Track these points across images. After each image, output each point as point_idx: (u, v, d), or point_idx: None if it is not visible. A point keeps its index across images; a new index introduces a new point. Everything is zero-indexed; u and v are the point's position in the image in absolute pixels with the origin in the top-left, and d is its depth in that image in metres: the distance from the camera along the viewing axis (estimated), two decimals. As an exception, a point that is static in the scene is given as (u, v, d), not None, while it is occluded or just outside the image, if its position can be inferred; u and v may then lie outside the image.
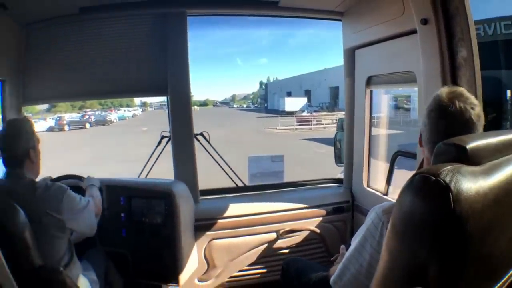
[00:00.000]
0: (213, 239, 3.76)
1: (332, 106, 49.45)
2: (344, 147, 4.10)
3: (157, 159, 3.99)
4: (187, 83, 3.73)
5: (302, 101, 53.25)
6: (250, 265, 3.87)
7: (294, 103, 51.43)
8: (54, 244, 2.51)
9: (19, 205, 2.28)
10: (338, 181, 4.34)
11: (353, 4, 3.62)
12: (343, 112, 4.08)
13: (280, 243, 3.85)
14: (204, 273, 3.81)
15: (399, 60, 3.13)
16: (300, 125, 34.97)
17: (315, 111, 45.70)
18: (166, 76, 3.72)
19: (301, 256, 3.77)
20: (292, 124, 35.16)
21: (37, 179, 2.68)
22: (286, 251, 3.90)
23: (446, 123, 1.66)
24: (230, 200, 3.99)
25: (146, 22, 3.74)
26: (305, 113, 42.59)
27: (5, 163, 2.56)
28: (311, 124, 35.55)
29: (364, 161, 3.85)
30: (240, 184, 4.18)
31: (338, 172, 4.62)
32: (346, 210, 4.02)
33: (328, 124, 34.41)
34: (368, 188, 3.84)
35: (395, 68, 3.24)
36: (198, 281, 3.81)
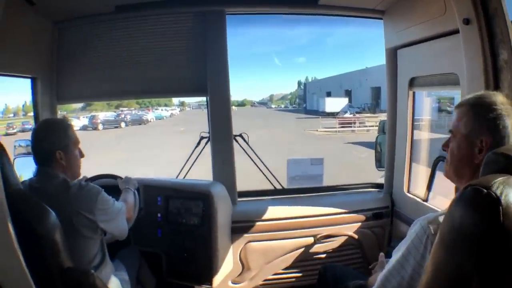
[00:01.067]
0: (250, 241, 3.78)
1: (374, 107, 48.81)
2: (386, 151, 4.05)
3: (195, 159, 4.05)
4: (227, 83, 3.76)
5: (343, 101, 52.51)
6: (285, 268, 3.87)
7: (334, 104, 50.82)
8: (85, 244, 2.54)
9: (51, 205, 2.30)
10: (378, 186, 4.29)
11: (394, 2, 3.57)
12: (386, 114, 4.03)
13: (316, 247, 3.84)
14: (239, 275, 3.84)
15: (442, 61, 3.07)
16: (342, 127, 34.16)
17: (356, 112, 45.17)
18: (205, 76, 3.75)
19: (338, 261, 3.77)
20: (333, 126, 34.18)
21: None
22: (323, 256, 3.88)
23: None
24: (268, 202, 4.00)
25: (185, 21, 3.77)
26: (347, 115, 41.96)
27: (35, 161, 2.60)
28: (354, 126, 34.64)
29: (405, 165, 3.80)
30: (278, 186, 4.20)
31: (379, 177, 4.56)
32: (385, 215, 3.98)
33: (372, 126, 33.22)
34: (408, 194, 3.79)
35: (438, 70, 3.18)
36: (232, 283, 3.84)
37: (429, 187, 3.52)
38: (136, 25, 3.77)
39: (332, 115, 44.33)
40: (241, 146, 3.96)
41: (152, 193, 3.61)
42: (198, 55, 3.75)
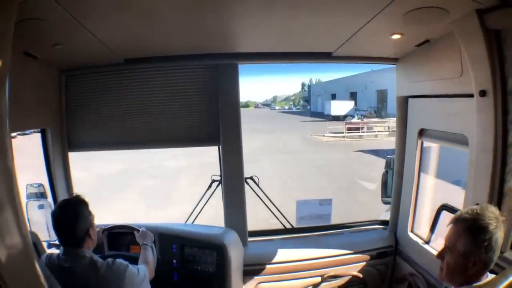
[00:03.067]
0: (260, 282, 3.95)
1: (380, 110, 48.65)
2: (393, 192, 4.23)
3: (207, 201, 4.20)
4: (239, 131, 3.91)
5: (348, 104, 52.39)
6: None
7: (340, 107, 50.69)
8: None
9: (82, 286, 2.51)
10: (383, 223, 4.49)
11: (409, 52, 3.67)
12: (395, 119, 4.17)
13: (323, 286, 4.01)
14: None
15: (452, 120, 3.19)
16: (349, 132, 34.08)
17: (362, 115, 45.10)
18: (217, 126, 3.88)
19: None
20: (340, 131, 34.23)
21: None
22: None
23: None
24: (278, 243, 4.17)
25: (197, 73, 3.88)
26: (354, 119, 41.76)
27: (62, 244, 2.74)
28: (361, 131, 34.51)
29: (410, 208, 3.96)
30: (288, 225, 4.37)
31: None
32: (389, 254, 4.18)
33: (381, 131, 33.57)
34: (411, 234, 3.97)
35: (447, 127, 3.31)
36: None
37: (431, 231, 3.71)
38: (147, 76, 3.87)
39: (338, 118, 44.43)
40: (252, 189, 4.14)
41: (167, 241, 3.77)
42: (211, 105, 3.89)
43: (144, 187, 17.45)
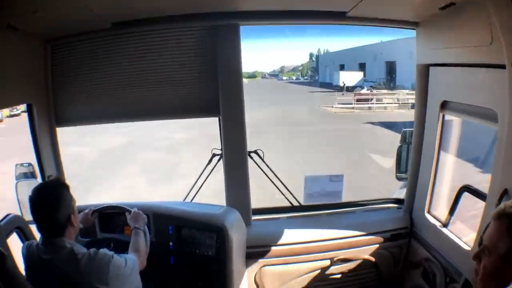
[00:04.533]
0: (265, 265, 3.79)
1: (389, 82, 48.37)
2: (409, 168, 4.01)
3: (207, 177, 4.03)
4: (241, 100, 3.67)
5: (357, 75, 52.05)
6: None
7: (349, 77, 50.30)
8: None
9: (62, 281, 2.36)
10: (398, 201, 4.28)
11: (430, 15, 3.36)
12: (405, 91, 3.97)
13: (333, 269, 3.87)
14: None
15: (479, 93, 2.92)
16: (358, 103, 33.54)
17: (371, 87, 44.89)
18: (217, 95, 3.63)
19: (354, 283, 3.95)
20: (349, 102, 33.75)
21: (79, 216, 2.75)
22: (338, 276, 3.92)
23: None
24: (284, 223, 4.01)
25: (193, 36, 3.63)
26: (364, 90, 41.61)
27: (42, 232, 2.55)
28: (371, 103, 33.91)
29: (428, 187, 3.72)
30: (295, 203, 4.18)
31: None
32: (403, 236, 3.97)
33: (390, 103, 32.92)
34: (428, 215, 3.75)
35: (474, 100, 3.02)
36: None
37: (451, 213, 3.51)
38: (137, 42, 3.63)
39: (347, 89, 44.38)
40: (256, 163, 3.96)
41: (162, 221, 3.58)
42: (209, 72, 3.64)
43: (148, 161, 17.48)
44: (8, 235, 2.94)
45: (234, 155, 3.77)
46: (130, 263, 2.67)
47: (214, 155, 3.94)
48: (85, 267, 2.44)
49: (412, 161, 3.94)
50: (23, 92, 3.37)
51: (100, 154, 18.80)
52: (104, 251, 2.58)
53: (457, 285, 3.12)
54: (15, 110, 28.70)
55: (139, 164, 17.06)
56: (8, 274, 2.02)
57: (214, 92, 3.65)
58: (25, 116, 3.58)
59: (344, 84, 46.57)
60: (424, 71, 3.66)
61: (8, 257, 2.06)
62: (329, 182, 4.19)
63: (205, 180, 4.05)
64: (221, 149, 3.85)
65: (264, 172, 4.03)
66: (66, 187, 2.59)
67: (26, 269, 2.56)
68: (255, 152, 3.93)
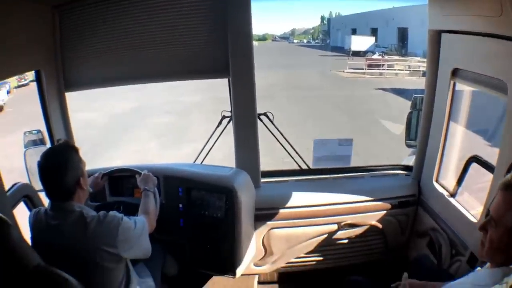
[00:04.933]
0: (273, 228, 3.82)
1: (401, 48, 47.73)
2: (419, 136, 3.95)
3: (216, 139, 4.00)
4: (251, 61, 3.59)
5: (369, 40, 51.23)
6: (308, 253, 3.97)
7: (361, 42, 49.53)
8: (109, 276, 2.50)
9: (70, 245, 2.33)
10: (407, 168, 4.24)
11: None
12: (417, 58, 3.89)
13: (339, 234, 3.88)
14: (261, 258, 3.95)
15: (490, 63, 2.85)
16: (369, 68, 33.15)
17: (383, 52, 44.33)
18: (226, 55, 3.58)
19: (359, 248, 3.99)
20: (361, 67, 33.30)
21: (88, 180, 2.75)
22: (345, 241, 3.94)
23: None
24: (292, 186, 4.01)
25: None
26: (375, 56, 41.10)
27: (50, 197, 2.50)
28: (382, 69, 33.41)
29: (437, 155, 3.67)
30: (304, 166, 4.17)
31: None
32: (411, 204, 3.95)
33: (401, 70, 32.41)
34: (436, 184, 3.71)
35: (484, 70, 2.94)
36: (254, 265, 3.97)
37: (458, 183, 3.47)
38: (145, 3, 3.54)
39: (358, 53, 43.76)
40: (265, 125, 3.92)
41: (173, 184, 3.59)
42: (219, 32, 3.57)
43: (157, 125, 17.53)
44: (15, 204, 2.94)
45: (244, 117, 3.73)
46: (140, 225, 2.63)
47: (224, 117, 3.91)
48: (94, 231, 2.40)
49: (422, 128, 3.89)
50: (31, 58, 3.32)
51: (110, 119, 18.86)
52: (113, 213, 2.54)
53: (463, 258, 3.11)
54: (23, 80, 28.49)
55: (149, 128, 17.13)
56: (11, 244, 2.01)
57: (224, 53, 3.59)
58: (32, 85, 3.53)
59: (350, 49, 46.25)
60: (436, 37, 3.56)
61: (12, 227, 2.05)
62: (338, 146, 4.13)
63: (214, 142, 4.03)
64: (231, 111, 3.82)
65: (274, 135, 4.01)
66: (74, 150, 2.54)
67: (33, 237, 2.55)
68: (265, 114, 3.90)
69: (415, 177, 4.01)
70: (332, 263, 4.03)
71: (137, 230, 2.58)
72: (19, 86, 27.58)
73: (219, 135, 3.96)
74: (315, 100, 20.71)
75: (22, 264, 1.98)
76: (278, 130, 3.99)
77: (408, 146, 4.24)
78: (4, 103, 23.58)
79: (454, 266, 3.23)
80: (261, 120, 3.83)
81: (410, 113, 4.07)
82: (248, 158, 3.80)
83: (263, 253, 3.91)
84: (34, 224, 2.53)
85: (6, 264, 1.96)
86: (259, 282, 4.18)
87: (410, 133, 4.10)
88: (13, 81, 27.43)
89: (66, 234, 2.38)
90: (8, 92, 26.11)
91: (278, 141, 4.04)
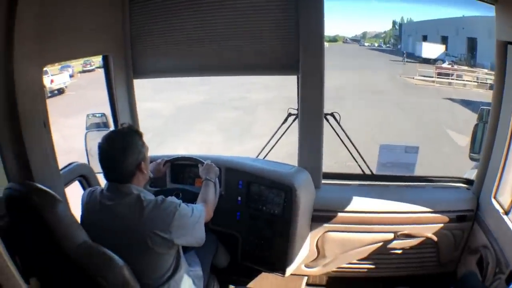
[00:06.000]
0: (328, 231, 3.78)
1: (470, 58, 46.02)
2: (483, 149, 3.78)
3: (281, 136, 4.06)
4: (321, 60, 3.58)
5: (440, 48, 49.46)
6: (360, 260, 3.89)
7: (431, 50, 48.15)
8: (159, 261, 2.52)
9: (123, 226, 2.37)
10: (468, 182, 4.07)
11: None
12: (485, 70, 3.78)
13: (394, 244, 3.79)
14: (312, 260, 3.90)
15: None
16: (439, 77, 32.08)
17: (453, 61, 42.89)
18: (297, 53, 3.59)
19: (412, 260, 3.86)
20: (430, 75, 32.34)
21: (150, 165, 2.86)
22: (399, 252, 3.84)
23: None
24: (353, 190, 3.95)
25: None
26: (445, 64, 39.82)
27: (108, 178, 2.52)
28: (451, 78, 32.15)
29: (498, 171, 3.51)
30: (367, 171, 4.12)
31: None
32: (468, 219, 3.78)
33: (469, 81, 30.95)
34: (493, 200, 3.54)
35: None
36: (305, 266, 3.91)
37: None
38: None
39: (428, 61, 42.73)
40: (331, 126, 3.88)
41: (234, 176, 3.65)
42: (291, 29, 3.58)
43: (223, 119, 17.68)
44: (68, 183, 3.03)
45: (310, 116, 3.70)
46: (197, 213, 2.62)
47: (289, 114, 3.93)
48: (149, 214, 2.39)
49: (486, 142, 3.72)
50: (100, 43, 3.45)
51: (177, 110, 19.21)
52: (171, 199, 2.54)
53: (503, 276, 3.00)
54: (88, 66, 28.75)
55: (215, 121, 17.33)
56: (57, 219, 2.11)
57: (295, 50, 3.58)
58: (98, 71, 3.69)
59: (421, 56, 45.41)
60: (503, 48, 3.43)
61: (61, 202, 2.16)
62: (404, 154, 4.07)
63: (278, 139, 4.07)
64: (297, 109, 3.81)
65: (339, 137, 3.98)
66: (138, 134, 2.54)
67: (83, 215, 2.57)
68: (332, 114, 3.85)
69: (475, 191, 3.84)
70: (383, 273, 3.95)
71: (193, 217, 2.58)
72: (84, 71, 28.19)
73: (284, 132, 4.00)
74: (383, 105, 20.34)
75: (68, 239, 2.11)
76: (344, 132, 3.96)
77: (472, 159, 4.09)
78: (66, 86, 23.85)
79: (495, 284, 3.13)
80: (327, 120, 3.80)
81: (476, 125, 3.95)
82: (311, 157, 3.78)
83: (316, 255, 3.88)
84: (87, 203, 2.57)
85: (51, 238, 2.09)
86: (307, 284, 4.13)
87: (474, 146, 3.98)
88: (77, 66, 28.05)
89: (119, 215, 2.40)
90: (71, 76, 26.30)
91: (343, 143, 4.01)
